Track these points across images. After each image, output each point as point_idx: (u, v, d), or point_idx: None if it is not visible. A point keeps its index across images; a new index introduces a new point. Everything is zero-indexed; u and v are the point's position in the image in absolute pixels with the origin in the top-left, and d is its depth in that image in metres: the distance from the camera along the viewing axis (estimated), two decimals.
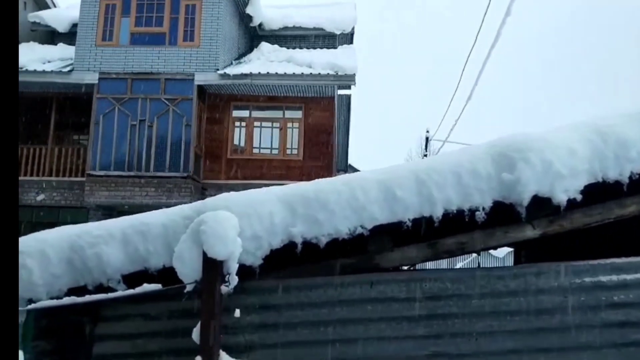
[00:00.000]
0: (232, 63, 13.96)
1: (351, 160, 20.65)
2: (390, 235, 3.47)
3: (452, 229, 3.51)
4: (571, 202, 3.29)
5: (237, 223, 2.90)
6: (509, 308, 3.30)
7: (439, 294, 3.34)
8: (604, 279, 3.35)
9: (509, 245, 4.11)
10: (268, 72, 12.96)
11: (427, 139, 19.62)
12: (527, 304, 3.30)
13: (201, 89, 13.35)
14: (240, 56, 14.69)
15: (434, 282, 3.36)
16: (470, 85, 10.95)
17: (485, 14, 9.95)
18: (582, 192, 3.30)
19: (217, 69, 13.08)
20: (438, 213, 3.28)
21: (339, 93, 14.46)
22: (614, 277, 3.35)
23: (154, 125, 12.86)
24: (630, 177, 3.36)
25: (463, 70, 12.94)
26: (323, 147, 13.71)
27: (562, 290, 3.32)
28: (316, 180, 3.43)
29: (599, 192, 3.41)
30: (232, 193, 3.34)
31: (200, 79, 13.10)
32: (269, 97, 13.72)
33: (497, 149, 3.32)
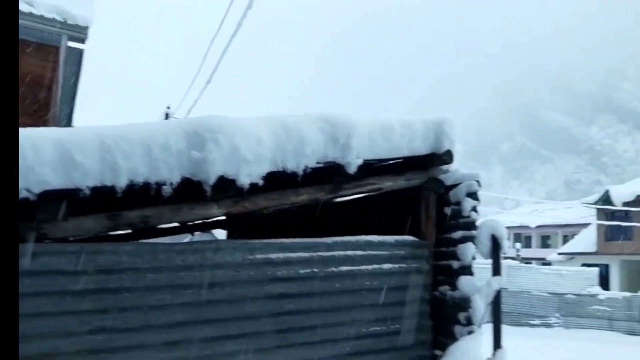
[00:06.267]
0: None
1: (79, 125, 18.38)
2: (67, 203, 3.15)
3: (139, 201, 3.42)
4: (254, 186, 3.59)
5: None
6: (184, 281, 3.40)
7: (113, 268, 3.19)
8: (272, 256, 3.78)
9: (198, 222, 4.25)
10: None
11: (167, 115, 19.00)
12: (201, 277, 3.46)
13: None
14: None
15: (109, 255, 3.20)
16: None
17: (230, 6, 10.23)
18: (265, 178, 3.63)
19: None
20: (122, 183, 3.12)
21: (69, 45, 12.61)
22: (281, 255, 3.82)
23: None
24: (304, 170, 3.86)
25: (205, 57, 12.99)
26: (38, 103, 11.76)
27: (235, 265, 3.60)
28: None
29: (280, 180, 3.83)
30: None
31: None
32: None
33: (191, 126, 3.36)
